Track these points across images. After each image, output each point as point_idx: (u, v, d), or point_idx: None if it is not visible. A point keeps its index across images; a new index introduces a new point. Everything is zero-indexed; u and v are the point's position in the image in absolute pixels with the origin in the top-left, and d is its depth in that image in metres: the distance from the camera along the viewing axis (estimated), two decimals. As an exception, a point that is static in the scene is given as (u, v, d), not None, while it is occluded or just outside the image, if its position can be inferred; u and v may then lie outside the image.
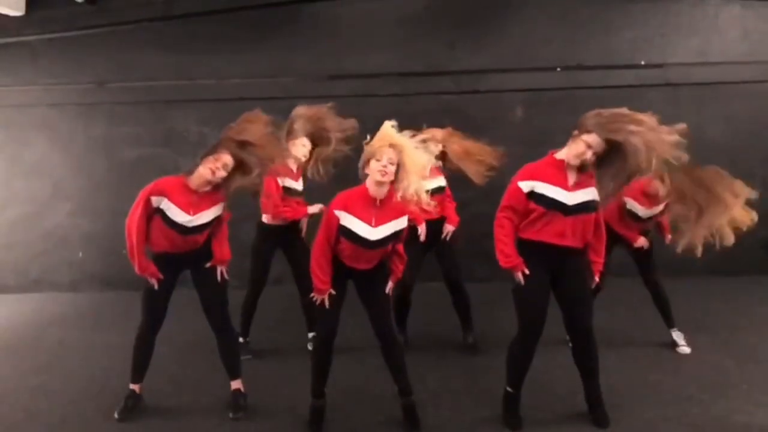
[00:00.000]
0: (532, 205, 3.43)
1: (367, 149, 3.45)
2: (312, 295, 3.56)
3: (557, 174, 3.45)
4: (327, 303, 3.52)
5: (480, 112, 7.15)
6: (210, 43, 7.38)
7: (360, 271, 3.60)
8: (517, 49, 7.29)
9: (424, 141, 3.69)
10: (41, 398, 4.30)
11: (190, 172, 3.72)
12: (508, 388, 3.72)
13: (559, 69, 7.30)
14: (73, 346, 5.45)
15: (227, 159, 3.64)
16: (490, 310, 5.68)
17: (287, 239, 4.85)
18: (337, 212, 3.42)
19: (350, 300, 3.70)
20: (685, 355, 4.65)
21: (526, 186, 3.43)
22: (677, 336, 4.78)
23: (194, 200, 3.67)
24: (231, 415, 3.88)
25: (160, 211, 3.64)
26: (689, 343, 4.77)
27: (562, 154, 3.51)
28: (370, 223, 3.42)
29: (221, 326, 3.91)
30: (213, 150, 3.66)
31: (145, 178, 7.32)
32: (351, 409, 3.95)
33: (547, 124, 7.17)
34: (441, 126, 4.90)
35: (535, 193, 3.42)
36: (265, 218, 4.77)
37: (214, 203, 3.73)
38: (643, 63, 7.28)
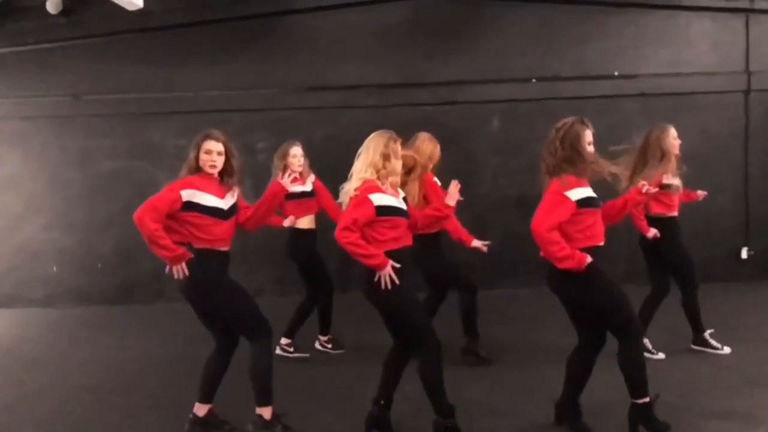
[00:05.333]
0: (585, 210, 3.36)
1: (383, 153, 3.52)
2: (377, 279, 3.36)
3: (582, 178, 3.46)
4: (394, 277, 3.37)
5: (457, 123, 7.21)
6: (187, 55, 7.35)
7: (406, 251, 3.56)
8: (494, 60, 7.37)
9: None
10: (13, 416, 4.20)
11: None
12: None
13: (534, 80, 7.39)
14: (48, 363, 5.34)
15: (213, 146, 3.58)
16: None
17: (313, 243, 5.11)
18: (371, 196, 3.42)
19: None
20: (661, 361, 4.70)
21: (573, 195, 3.34)
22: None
23: (217, 186, 3.62)
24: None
25: (195, 206, 3.50)
26: (666, 349, 4.84)
27: None
28: (398, 197, 3.57)
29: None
30: (194, 156, 3.61)
31: (121, 192, 7.38)
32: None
33: (524, 135, 7.26)
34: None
35: (583, 198, 3.37)
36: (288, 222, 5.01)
37: (228, 189, 3.68)
38: (616, 74, 7.40)
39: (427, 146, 4.79)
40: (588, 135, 3.43)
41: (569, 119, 3.47)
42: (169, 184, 3.55)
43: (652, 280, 4.92)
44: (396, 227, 3.47)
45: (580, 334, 3.62)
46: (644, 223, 4.72)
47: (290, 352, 5.13)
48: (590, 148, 3.43)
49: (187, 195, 3.49)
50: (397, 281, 3.37)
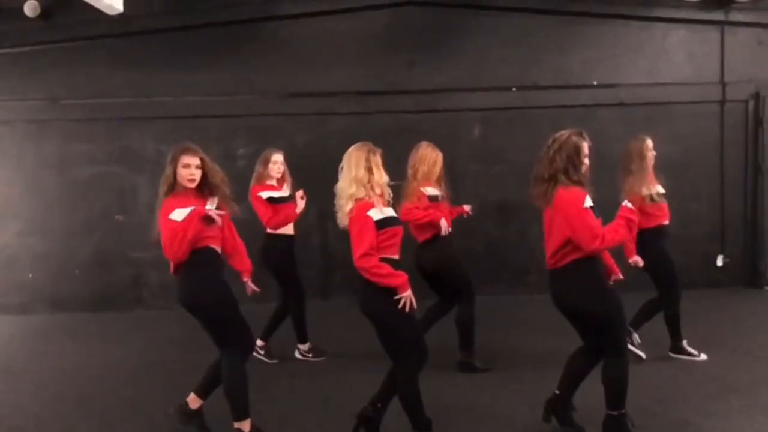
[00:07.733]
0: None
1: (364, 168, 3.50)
2: (398, 297, 3.35)
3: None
4: (414, 302, 3.39)
5: (438, 131, 7.23)
6: (167, 60, 7.30)
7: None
8: (474, 69, 7.43)
9: None
10: (-14, 426, 4.13)
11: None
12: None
13: (514, 89, 7.46)
14: (22, 371, 5.25)
15: (191, 160, 3.58)
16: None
17: (288, 248, 5.13)
18: (369, 213, 3.41)
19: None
20: (640, 367, 4.74)
21: (588, 203, 3.39)
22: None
23: (194, 199, 3.62)
24: None
25: None
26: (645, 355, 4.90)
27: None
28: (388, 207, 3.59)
29: None
30: (172, 171, 3.59)
31: (99, 197, 7.29)
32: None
33: (504, 143, 7.33)
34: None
35: (591, 207, 3.42)
36: (270, 228, 5.04)
37: (207, 198, 3.68)
38: (595, 83, 7.50)
39: (431, 153, 4.84)
40: (585, 148, 3.46)
41: (566, 131, 3.48)
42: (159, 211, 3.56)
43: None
44: (394, 236, 3.49)
45: (585, 339, 3.64)
46: (632, 246, 4.66)
47: (260, 354, 5.13)
48: (586, 161, 3.46)
49: (175, 217, 3.49)
50: (415, 305, 3.40)
